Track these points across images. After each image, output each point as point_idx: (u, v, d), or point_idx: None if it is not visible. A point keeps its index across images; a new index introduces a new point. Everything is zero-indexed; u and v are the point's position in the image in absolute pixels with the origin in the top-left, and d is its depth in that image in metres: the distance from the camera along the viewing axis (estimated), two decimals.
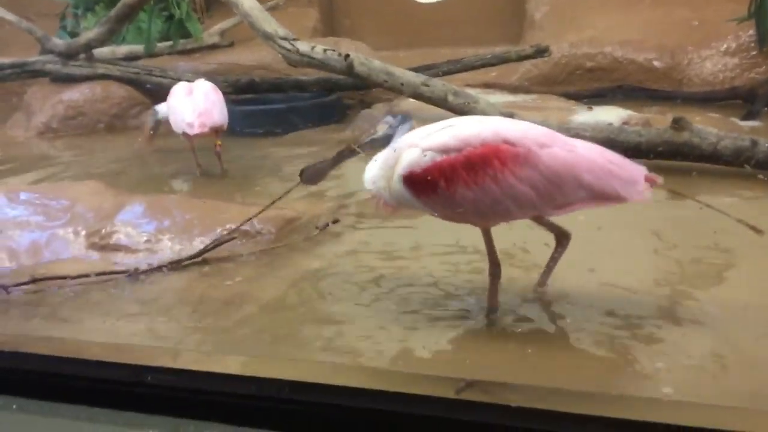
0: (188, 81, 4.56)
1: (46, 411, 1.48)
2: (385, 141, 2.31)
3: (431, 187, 2.08)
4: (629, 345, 2.15)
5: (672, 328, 2.25)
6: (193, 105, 4.18)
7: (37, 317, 2.60)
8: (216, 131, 4.26)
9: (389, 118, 2.37)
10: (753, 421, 1.32)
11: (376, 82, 4.80)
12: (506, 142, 2.06)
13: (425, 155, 2.09)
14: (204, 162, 4.41)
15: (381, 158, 2.25)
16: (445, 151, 2.07)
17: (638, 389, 1.97)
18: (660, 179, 2.19)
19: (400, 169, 2.13)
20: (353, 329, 2.37)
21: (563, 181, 2.07)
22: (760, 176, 3.56)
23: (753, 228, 2.92)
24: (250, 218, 3.08)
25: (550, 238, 2.37)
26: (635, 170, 2.14)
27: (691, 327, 2.25)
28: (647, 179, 2.15)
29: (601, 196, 2.11)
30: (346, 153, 2.44)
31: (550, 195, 2.08)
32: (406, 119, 2.34)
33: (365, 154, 2.37)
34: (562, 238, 2.34)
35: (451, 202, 2.10)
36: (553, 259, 2.37)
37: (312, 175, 2.54)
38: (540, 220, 2.29)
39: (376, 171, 2.24)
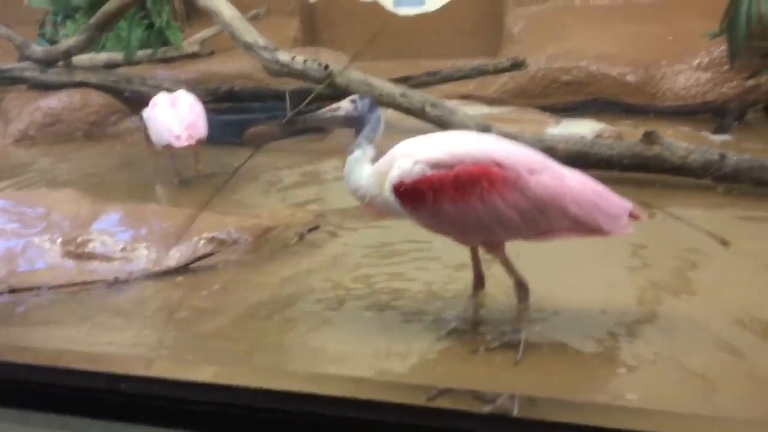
0: (168, 91, 4.57)
1: (19, 419, 1.49)
2: (344, 122, 2.34)
3: (419, 198, 2.12)
4: (597, 353, 2.20)
5: (639, 336, 2.31)
6: (180, 117, 4.19)
7: (11, 325, 2.59)
8: (199, 143, 4.27)
9: (356, 98, 2.36)
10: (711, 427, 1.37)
11: (356, 92, 4.84)
12: (497, 164, 2.09)
13: (416, 166, 2.12)
14: (181, 170, 4.41)
15: (375, 166, 2.26)
16: (436, 165, 2.11)
17: (607, 396, 2.02)
18: (644, 216, 2.25)
19: (391, 177, 2.16)
20: (329, 338, 2.39)
21: (548, 209, 2.11)
22: (719, 189, 3.65)
23: (720, 240, 3.00)
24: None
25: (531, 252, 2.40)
26: (620, 205, 2.18)
27: (657, 335, 2.31)
28: (631, 214, 2.20)
29: (583, 227, 2.15)
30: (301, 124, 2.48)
31: (534, 221, 2.12)
32: (375, 107, 2.34)
33: (325, 134, 2.36)
34: (521, 289, 2.27)
35: (436, 215, 2.14)
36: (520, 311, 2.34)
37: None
38: (505, 263, 2.26)
39: (367, 175, 2.25)
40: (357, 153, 2.28)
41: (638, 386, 2.03)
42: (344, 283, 2.79)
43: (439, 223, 2.19)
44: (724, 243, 2.95)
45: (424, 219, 2.20)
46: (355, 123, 2.32)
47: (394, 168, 2.16)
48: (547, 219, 2.12)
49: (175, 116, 4.21)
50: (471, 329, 2.38)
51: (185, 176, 4.40)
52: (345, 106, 2.34)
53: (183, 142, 4.10)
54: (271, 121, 5.43)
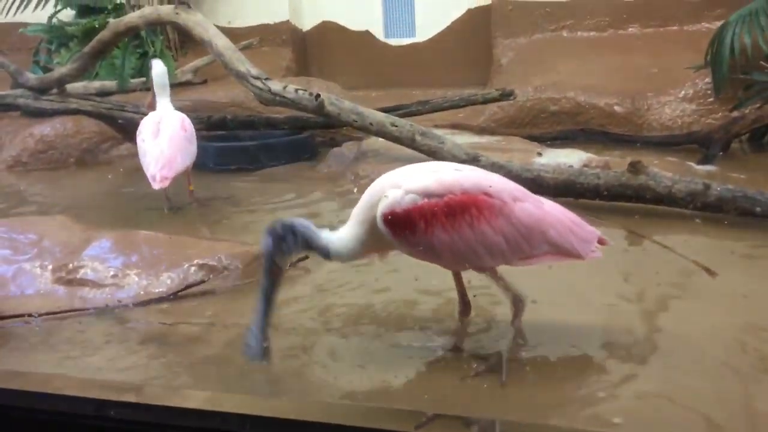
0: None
1: None
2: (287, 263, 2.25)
3: (410, 227, 2.16)
4: (583, 377, 2.23)
5: (622, 360, 2.34)
6: (156, 155, 4.11)
7: (1, 351, 2.60)
8: (178, 177, 4.23)
9: (274, 249, 2.16)
10: None
11: (346, 121, 4.91)
12: (485, 192, 2.19)
13: (408, 196, 2.17)
14: (172, 197, 4.44)
15: (356, 211, 2.26)
16: (427, 195, 2.17)
17: (591, 420, 2.05)
18: (610, 242, 2.40)
19: (382, 207, 2.18)
20: (319, 365, 2.41)
21: (531, 234, 2.22)
22: (698, 220, 3.74)
23: (707, 270, 3.06)
24: None
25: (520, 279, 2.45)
26: (591, 231, 2.34)
27: (639, 359, 2.35)
28: (599, 240, 2.35)
29: (561, 251, 2.27)
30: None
31: (519, 246, 2.22)
32: (291, 227, 2.19)
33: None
34: (518, 302, 2.36)
35: (428, 243, 2.19)
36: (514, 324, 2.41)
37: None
38: (499, 281, 2.34)
39: (345, 237, 2.24)
40: (331, 243, 2.23)
41: (624, 411, 2.06)
42: (334, 310, 2.81)
43: (429, 251, 2.23)
44: (711, 273, 3.02)
45: (414, 247, 2.24)
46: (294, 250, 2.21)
47: (383, 199, 2.19)
48: (529, 244, 2.23)
49: (152, 153, 4.13)
50: (458, 355, 2.40)
51: (176, 203, 4.43)
52: (280, 260, 2.18)
53: (157, 185, 4.05)
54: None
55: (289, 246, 2.18)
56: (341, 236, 2.27)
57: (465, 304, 2.45)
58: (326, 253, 2.25)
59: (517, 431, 1.45)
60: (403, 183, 2.20)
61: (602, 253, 2.34)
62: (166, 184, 4.09)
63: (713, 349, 2.38)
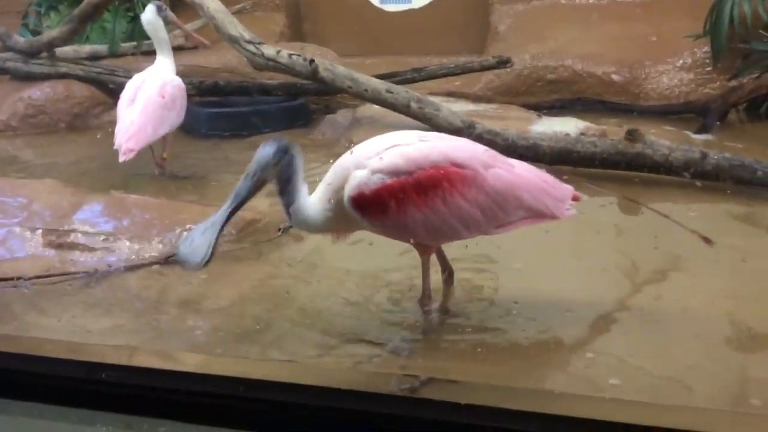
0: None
1: None
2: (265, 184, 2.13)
3: (381, 208, 2.08)
4: (579, 342, 2.23)
5: (617, 326, 2.35)
6: (126, 125, 3.89)
7: None
8: (162, 139, 4.07)
9: (272, 159, 2.09)
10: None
11: (341, 87, 4.84)
12: (455, 164, 2.10)
13: (375, 176, 2.08)
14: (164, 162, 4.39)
15: (320, 189, 2.17)
16: (395, 173, 2.08)
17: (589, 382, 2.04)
18: (584, 196, 2.32)
19: (349, 189, 2.09)
20: (311, 329, 2.40)
21: (506, 201, 2.15)
22: (698, 183, 3.70)
23: (704, 238, 3.05)
24: None
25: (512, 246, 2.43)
26: (564, 189, 2.27)
27: (633, 325, 2.35)
28: (573, 197, 2.28)
29: (537, 214, 2.21)
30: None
31: (495, 214, 2.15)
32: (292, 147, 2.13)
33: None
34: (449, 276, 2.38)
35: (401, 223, 2.11)
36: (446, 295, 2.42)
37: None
38: (426, 268, 2.29)
39: (315, 209, 2.16)
40: (297, 203, 2.14)
41: (620, 374, 2.07)
42: (327, 276, 2.79)
43: (402, 229, 2.16)
44: (708, 241, 3.01)
45: (386, 227, 2.17)
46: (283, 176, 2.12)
47: (350, 179, 2.10)
48: (505, 211, 2.16)
49: (123, 121, 3.93)
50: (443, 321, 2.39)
51: (168, 168, 4.36)
52: (268, 172, 2.10)
53: (121, 157, 3.84)
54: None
55: (284, 166, 2.08)
56: (310, 205, 2.15)
57: (428, 296, 2.36)
58: (288, 205, 2.13)
59: (516, 396, 1.44)
60: (368, 162, 2.10)
61: (576, 210, 2.28)
62: (131, 156, 3.84)
63: (707, 315, 2.38)
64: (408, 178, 2.07)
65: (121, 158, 3.85)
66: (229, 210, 2.05)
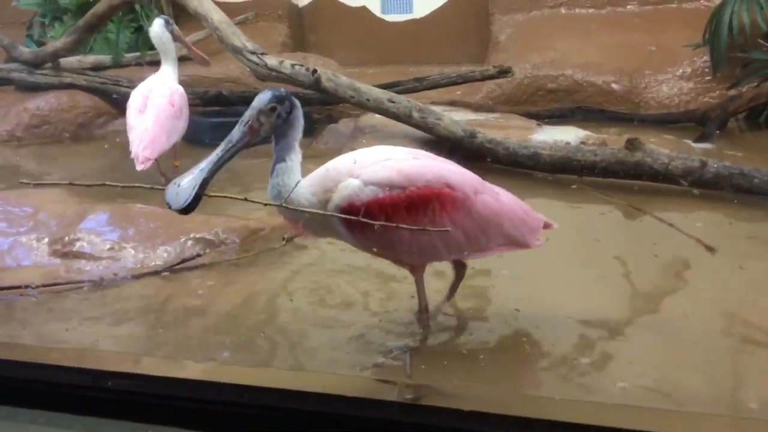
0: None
1: (3, 415, 1.48)
2: (264, 137, 2.07)
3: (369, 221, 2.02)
4: (582, 347, 2.25)
5: (619, 332, 2.36)
6: (141, 133, 3.94)
7: None
8: (172, 148, 4.13)
9: (274, 104, 2.03)
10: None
11: (343, 97, 4.87)
12: (447, 185, 2.08)
13: (367, 188, 2.04)
14: (167, 172, 4.41)
15: (313, 179, 2.12)
16: (388, 186, 2.04)
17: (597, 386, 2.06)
18: (555, 225, 2.32)
19: (338, 199, 2.05)
20: (315, 337, 2.42)
21: (489, 228, 2.15)
22: (697, 192, 3.73)
23: (707, 247, 3.07)
24: None
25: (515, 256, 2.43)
26: (537, 219, 2.27)
27: (633, 333, 2.36)
28: (545, 225, 2.29)
29: (513, 242, 2.22)
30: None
31: (477, 239, 2.15)
32: (296, 103, 2.10)
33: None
34: (461, 268, 2.39)
35: (386, 238, 2.06)
36: (453, 288, 2.42)
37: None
38: (420, 285, 2.27)
39: (306, 192, 2.09)
40: (287, 162, 2.09)
41: (627, 378, 2.09)
42: (330, 286, 2.81)
43: (384, 245, 2.12)
44: (710, 249, 3.03)
45: (370, 241, 2.12)
46: (281, 129, 2.07)
47: (340, 188, 2.05)
48: (487, 237, 2.16)
49: (137, 130, 3.97)
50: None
51: (170, 178, 4.38)
52: (266, 120, 2.05)
53: (138, 166, 3.87)
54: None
55: (280, 115, 2.01)
56: (299, 188, 2.07)
57: (425, 310, 2.32)
58: (275, 165, 2.06)
59: (519, 402, 1.46)
60: (361, 173, 2.06)
61: (544, 241, 2.31)
62: (149, 165, 3.90)
63: (707, 322, 2.40)
64: (400, 194, 2.03)
65: (139, 167, 3.87)
66: (218, 156, 1.99)
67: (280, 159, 2.09)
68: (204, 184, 1.94)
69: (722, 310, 2.48)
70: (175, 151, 4.33)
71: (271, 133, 2.08)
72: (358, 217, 1.99)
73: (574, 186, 3.93)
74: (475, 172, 2.26)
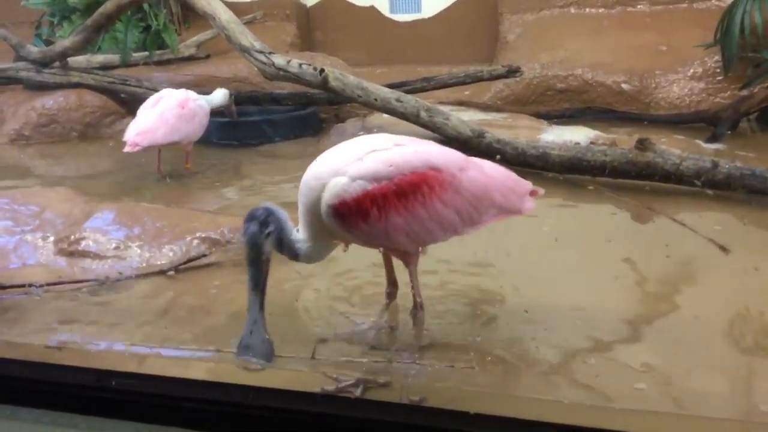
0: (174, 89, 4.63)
1: (8, 415, 1.48)
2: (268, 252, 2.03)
3: (362, 215, 2.03)
4: (595, 350, 2.22)
5: (633, 334, 2.33)
6: (141, 121, 4.23)
7: (2, 322, 2.59)
8: (184, 145, 4.33)
9: (259, 239, 1.99)
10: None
11: (351, 97, 4.86)
12: (433, 168, 2.08)
13: (355, 183, 2.02)
14: (178, 169, 4.49)
15: (301, 218, 2.12)
16: (376, 179, 2.03)
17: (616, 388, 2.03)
18: (541, 191, 2.31)
19: (328, 198, 2.03)
20: (320, 338, 2.39)
21: (480, 202, 2.16)
22: (710, 192, 3.69)
23: (720, 247, 3.03)
24: None
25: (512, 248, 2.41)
26: (525, 184, 2.29)
27: (644, 335, 2.33)
28: (531, 192, 2.30)
29: (505, 211, 2.23)
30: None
31: (470, 215, 2.16)
32: (271, 212, 2.04)
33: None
34: (393, 287, 2.36)
35: (381, 229, 2.06)
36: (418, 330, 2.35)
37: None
38: (415, 280, 2.24)
39: (303, 238, 2.11)
40: (298, 252, 2.11)
41: (645, 380, 2.06)
42: (335, 283, 2.79)
43: (382, 237, 2.11)
44: (724, 250, 2.99)
45: (365, 235, 2.10)
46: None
47: (328, 188, 2.03)
48: (479, 211, 2.17)
49: (138, 120, 4.27)
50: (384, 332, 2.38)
51: (165, 172, 4.52)
52: (265, 249, 2.01)
53: (126, 148, 4.14)
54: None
55: (274, 231, 2.02)
56: (304, 245, 2.11)
57: (393, 285, 2.35)
58: (295, 255, 2.11)
59: (527, 405, 1.44)
60: (346, 169, 2.04)
61: (535, 204, 2.29)
62: (136, 150, 4.14)
63: (719, 323, 2.37)
64: (389, 184, 2.03)
65: (126, 149, 4.13)
66: (258, 302, 2.00)
67: (294, 254, 2.12)
68: (266, 328, 1.97)
69: (736, 311, 2.44)
70: (188, 155, 4.53)
71: (277, 245, 2.07)
72: (351, 212, 2.02)
73: (590, 187, 3.89)
74: None
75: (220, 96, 4.78)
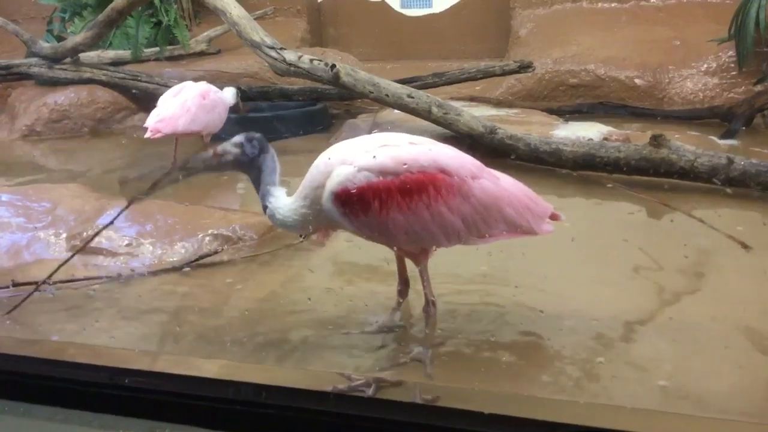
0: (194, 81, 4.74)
1: (21, 412, 1.48)
2: (234, 165, 2.21)
3: (363, 206, 2.03)
4: (613, 347, 2.21)
5: (650, 332, 2.30)
6: (162, 110, 4.29)
7: (15, 318, 2.59)
8: (203, 136, 4.39)
9: (242, 140, 2.20)
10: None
11: (362, 92, 4.83)
12: (443, 171, 2.06)
13: (361, 173, 2.03)
14: (179, 159, 4.45)
15: (300, 189, 2.15)
16: (382, 172, 2.03)
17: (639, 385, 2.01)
18: (563, 216, 2.26)
19: (332, 185, 2.05)
20: (332, 336, 2.39)
21: (489, 214, 2.11)
22: (729, 191, 3.64)
23: (741, 244, 2.99)
24: None
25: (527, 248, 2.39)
26: (544, 206, 2.23)
27: (661, 335, 2.31)
28: (552, 216, 2.24)
29: (517, 229, 2.16)
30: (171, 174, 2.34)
31: (476, 226, 2.11)
32: (266, 147, 2.21)
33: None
34: (405, 286, 2.36)
35: (381, 224, 2.05)
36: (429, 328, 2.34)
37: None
38: (424, 275, 2.22)
39: (293, 206, 2.15)
40: (273, 200, 2.16)
41: (667, 376, 2.04)
42: (349, 283, 2.78)
43: (382, 232, 2.10)
44: (745, 247, 2.95)
45: (365, 227, 2.11)
46: (247, 166, 2.21)
47: (333, 175, 2.05)
48: (486, 223, 2.12)
49: (160, 107, 4.33)
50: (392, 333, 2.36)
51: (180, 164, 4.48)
52: (231, 150, 2.19)
53: (148, 134, 4.22)
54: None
55: (245, 152, 2.16)
56: (287, 203, 2.16)
57: (404, 284, 2.35)
58: (264, 205, 2.18)
59: (544, 407, 1.42)
60: (354, 159, 2.05)
61: (554, 228, 2.25)
62: (157, 136, 4.20)
63: (737, 323, 2.34)
64: (394, 179, 2.02)
65: (146, 135, 4.21)
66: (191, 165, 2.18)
67: (264, 209, 2.21)
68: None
69: (755, 311, 2.41)
70: (206, 148, 4.43)
71: (234, 166, 2.21)
72: (352, 202, 2.04)
73: (610, 185, 3.85)
74: (496, 169, 2.22)
75: (229, 95, 4.82)
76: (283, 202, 2.17)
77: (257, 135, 2.21)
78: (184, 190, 4.23)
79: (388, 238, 2.13)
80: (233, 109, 4.97)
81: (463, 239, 2.14)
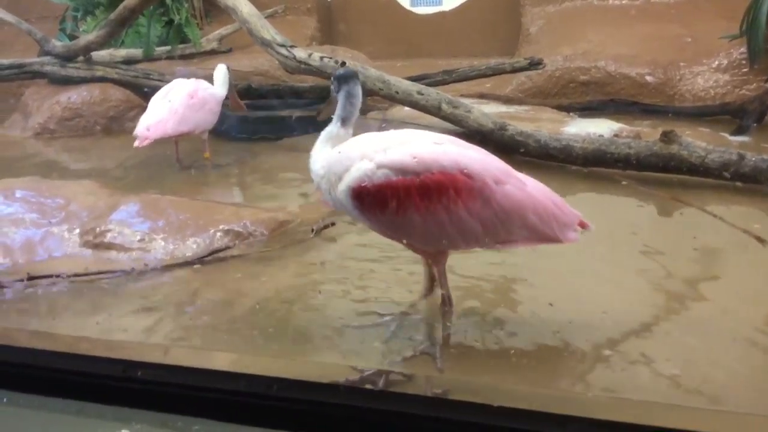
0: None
1: (36, 405, 1.49)
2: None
3: (380, 204, 2.00)
4: (623, 340, 2.21)
5: (661, 326, 2.30)
6: (149, 116, 4.25)
7: (29, 312, 2.62)
8: (198, 137, 4.37)
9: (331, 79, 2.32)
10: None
11: (372, 89, 4.84)
12: (464, 173, 2.01)
13: (380, 171, 1.99)
14: (184, 158, 4.55)
15: (327, 163, 2.15)
16: (402, 171, 1.98)
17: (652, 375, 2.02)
18: (592, 226, 2.20)
19: (350, 180, 2.03)
20: (343, 330, 2.40)
21: (511, 220, 2.05)
22: (740, 185, 3.63)
23: (758, 238, 2.98)
24: None
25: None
26: (572, 214, 2.16)
27: (671, 329, 2.30)
28: (580, 224, 2.18)
29: (540, 236, 2.11)
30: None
31: (496, 231, 2.06)
32: (347, 80, 2.27)
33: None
34: (447, 304, 2.28)
35: (398, 223, 2.02)
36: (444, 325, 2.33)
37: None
38: (442, 275, 2.21)
39: (322, 164, 2.16)
40: (326, 133, 2.23)
41: (680, 366, 2.05)
42: (359, 278, 2.79)
43: (397, 230, 2.08)
44: (761, 241, 2.94)
45: (381, 225, 2.08)
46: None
47: (352, 170, 2.03)
48: (507, 230, 2.06)
49: (148, 112, 4.30)
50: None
51: (186, 163, 4.56)
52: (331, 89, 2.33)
53: (136, 142, 4.19)
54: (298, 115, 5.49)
55: (333, 92, 2.27)
56: (319, 157, 2.18)
57: (430, 280, 2.30)
58: (321, 142, 2.22)
59: (550, 399, 1.43)
60: (374, 155, 2.02)
61: (580, 236, 2.20)
62: (145, 144, 4.18)
63: (747, 318, 2.33)
64: (414, 179, 1.98)
65: (136, 143, 4.18)
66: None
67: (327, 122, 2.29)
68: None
69: (763, 306, 2.41)
70: (205, 145, 4.52)
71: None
72: (368, 199, 2.03)
73: (624, 182, 3.84)
74: None
75: (221, 75, 4.60)
76: (326, 148, 2.20)
77: (340, 72, 2.29)
78: (194, 185, 4.27)
79: (403, 237, 2.11)
80: (228, 97, 4.73)
81: (482, 244, 2.10)
